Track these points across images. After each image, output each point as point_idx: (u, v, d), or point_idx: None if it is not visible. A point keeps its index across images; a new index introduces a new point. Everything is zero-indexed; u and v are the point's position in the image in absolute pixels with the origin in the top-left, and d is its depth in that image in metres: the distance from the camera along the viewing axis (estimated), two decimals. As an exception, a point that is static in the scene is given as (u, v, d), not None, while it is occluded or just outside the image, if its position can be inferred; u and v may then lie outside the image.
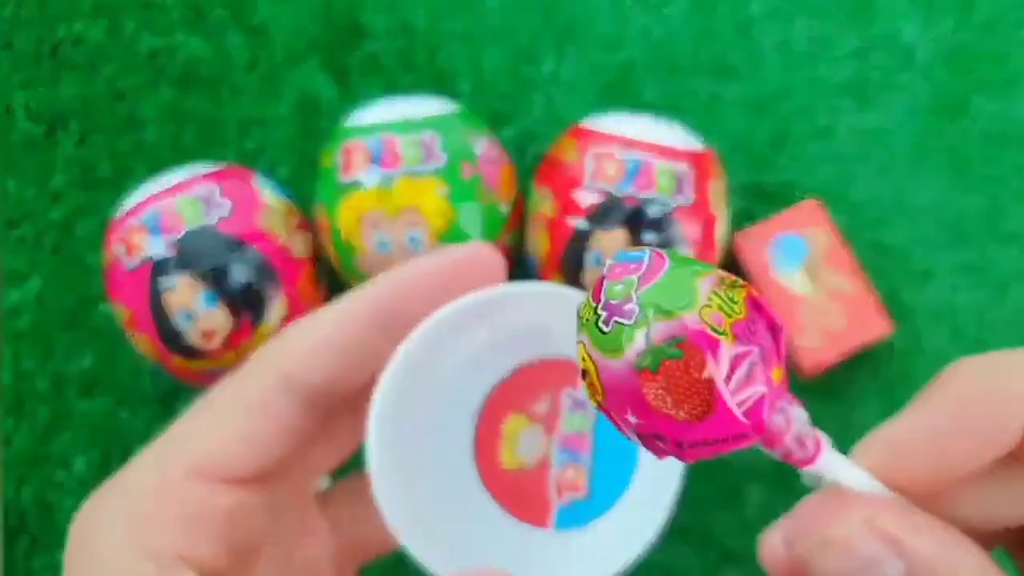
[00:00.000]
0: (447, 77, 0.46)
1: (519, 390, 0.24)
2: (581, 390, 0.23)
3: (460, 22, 0.47)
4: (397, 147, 0.37)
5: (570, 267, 0.37)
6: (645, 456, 0.23)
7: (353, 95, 0.46)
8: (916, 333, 0.43)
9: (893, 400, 0.42)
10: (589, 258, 0.37)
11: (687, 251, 0.37)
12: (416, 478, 0.21)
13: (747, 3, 0.46)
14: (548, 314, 0.22)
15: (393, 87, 0.46)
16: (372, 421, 0.20)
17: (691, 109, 0.45)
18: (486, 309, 0.21)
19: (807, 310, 0.40)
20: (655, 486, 0.21)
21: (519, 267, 0.41)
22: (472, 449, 0.23)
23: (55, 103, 0.47)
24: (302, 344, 0.20)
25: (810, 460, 0.16)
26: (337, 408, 0.22)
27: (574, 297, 0.21)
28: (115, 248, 0.38)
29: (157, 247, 0.37)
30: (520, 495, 0.23)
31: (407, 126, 0.37)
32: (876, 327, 0.40)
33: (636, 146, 0.37)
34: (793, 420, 0.15)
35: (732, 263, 0.42)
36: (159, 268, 0.37)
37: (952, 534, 0.15)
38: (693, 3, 0.46)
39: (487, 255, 0.22)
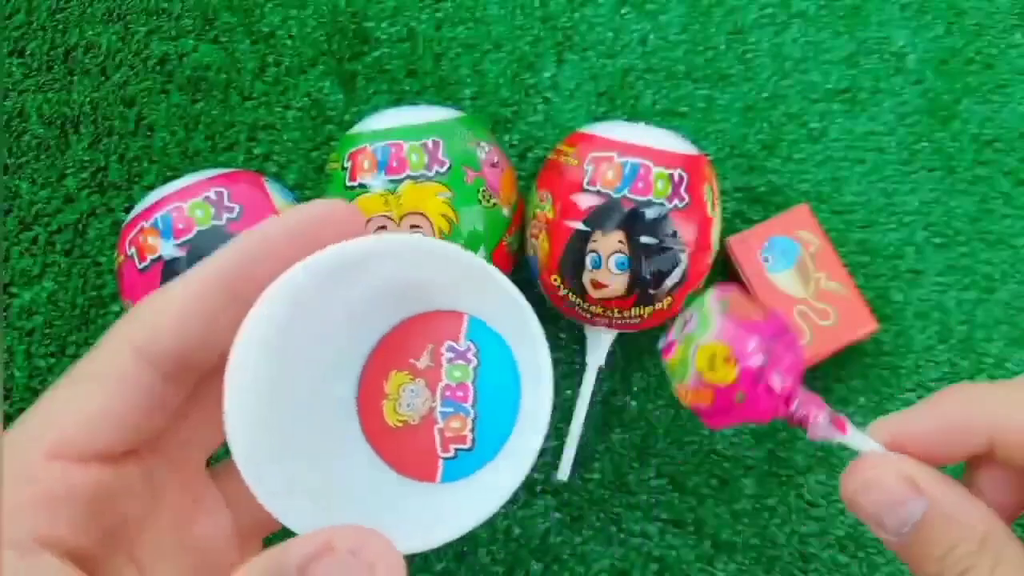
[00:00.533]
0: (451, 84, 0.47)
1: (400, 347, 0.23)
2: (465, 342, 0.24)
3: (463, 30, 0.48)
4: (402, 152, 0.38)
5: (569, 267, 0.38)
6: (525, 404, 0.23)
7: (359, 101, 0.47)
8: (905, 332, 0.44)
9: (881, 396, 0.43)
10: (588, 259, 0.38)
11: (684, 252, 0.38)
12: (288, 443, 0.20)
13: (741, 11, 0.47)
14: (421, 268, 0.21)
15: (398, 93, 0.47)
16: (227, 389, 0.19)
17: (687, 114, 0.46)
18: (346, 266, 0.20)
19: (799, 309, 0.41)
20: (531, 433, 0.20)
21: (520, 268, 0.42)
22: (355, 409, 0.23)
23: (67, 107, 0.48)
24: (152, 316, 0.20)
25: (842, 430, 0.22)
26: (208, 381, 0.21)
27: (442, 250, 0.20)
28: (127, 249, 0.38)
29: (168, 248, 0.37)
30: (406, 451, 0.23)
31: (412, 132, 0.38)
32: (865, 326, 0.41)
33: (633, 151, 0.38)
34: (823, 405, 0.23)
35: (726, 265, 0.43)
36: (170, 269, 0.37)
37: (961, 487, 0.20)
38: (688, 11, 0.47)
39: (343, 211, 0.21)
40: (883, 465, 0.21)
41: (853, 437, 0.22)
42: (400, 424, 0.22)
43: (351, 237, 0.20)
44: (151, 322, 0.20)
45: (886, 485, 0.20)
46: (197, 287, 0.20)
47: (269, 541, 0.21)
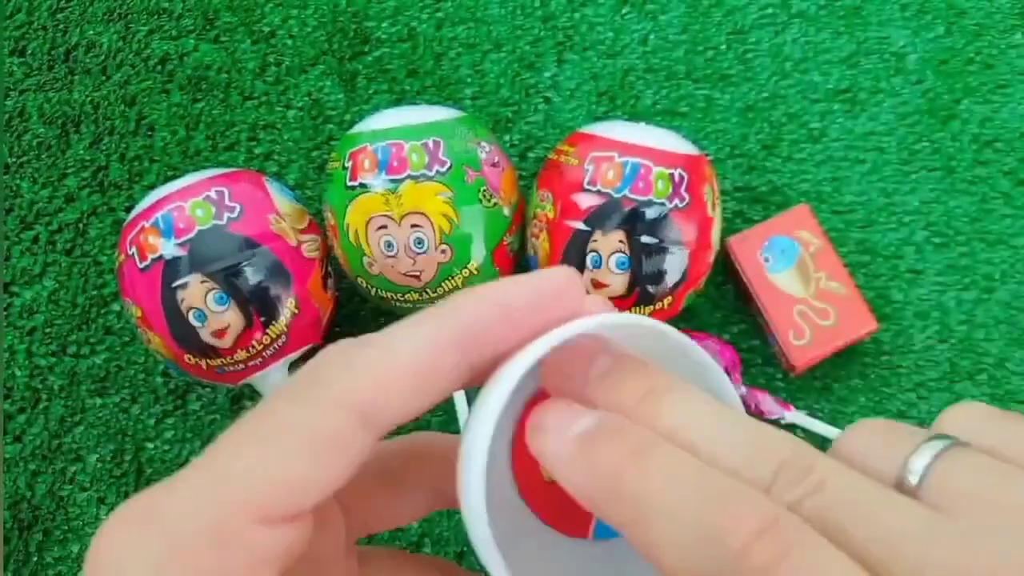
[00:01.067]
0: (451, 84, 0.47)
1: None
2: None
3: (464, 30, 0.48)
4: (403, 152, 0.38)
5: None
6: None
7: (360, 100, 0.47)
8: (905, 331, 0.44)
9: (881, 396, 0.43)
10: (588, 259, 0.38)
11: (684, 252, 0.38)
12: (492, 514, 0.19)
13: (741, 11, 0.47)
14: (624, 341, 0.20)
15: (399, 93, 0.47)
16: (474, 470, 0.18)
17: (687, 114, 0.46)
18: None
19: (799, 309, 0.41)
20: None
21: (520, 268, 0.42)
22: (511, 468, 0.22)
23: (68, 107, 0.48)
24: (379, 374, 0.18)
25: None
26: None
27: (673, 336, 0.20)
28: (128, 248, 0.39)
29: (169, 248, 0.37)
30: (560, 508, 0.22)
31: (412, 132, 0.38)
32: (865, 325, 0.41)
33: (634, 151, 0.38)
34: None
35: (726, 265, 0.43)
36: (171, 268, 0.37)
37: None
38: (689, 11, 0.47)
39: (572, 281, 0.20)
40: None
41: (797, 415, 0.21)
42: (552, 480, 0.21)
43: (573, 307, 0.19)
44: (378, 385, 0.18)
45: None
46: (429, 348, 0.18)
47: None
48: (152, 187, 0.40)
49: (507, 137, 0.47)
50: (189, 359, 0.38)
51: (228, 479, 0.17)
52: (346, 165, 0.39)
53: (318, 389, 0.18)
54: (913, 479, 0.15)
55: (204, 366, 0.39)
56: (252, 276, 0.38)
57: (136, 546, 0.16)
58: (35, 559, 0.44)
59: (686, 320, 0.43)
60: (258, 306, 0.38)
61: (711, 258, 0.40)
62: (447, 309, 0.18)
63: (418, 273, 0.38)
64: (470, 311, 0.18)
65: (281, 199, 0.40)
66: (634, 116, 0.47)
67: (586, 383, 0.18)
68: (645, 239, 0.37)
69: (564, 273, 0.19)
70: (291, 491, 0.17)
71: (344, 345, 0.18)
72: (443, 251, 0.38)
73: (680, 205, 0.38)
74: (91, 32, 0.49)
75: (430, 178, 0.38)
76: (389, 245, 0.38)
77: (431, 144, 0.38)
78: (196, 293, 0.37)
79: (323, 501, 0.18)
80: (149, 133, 0.47)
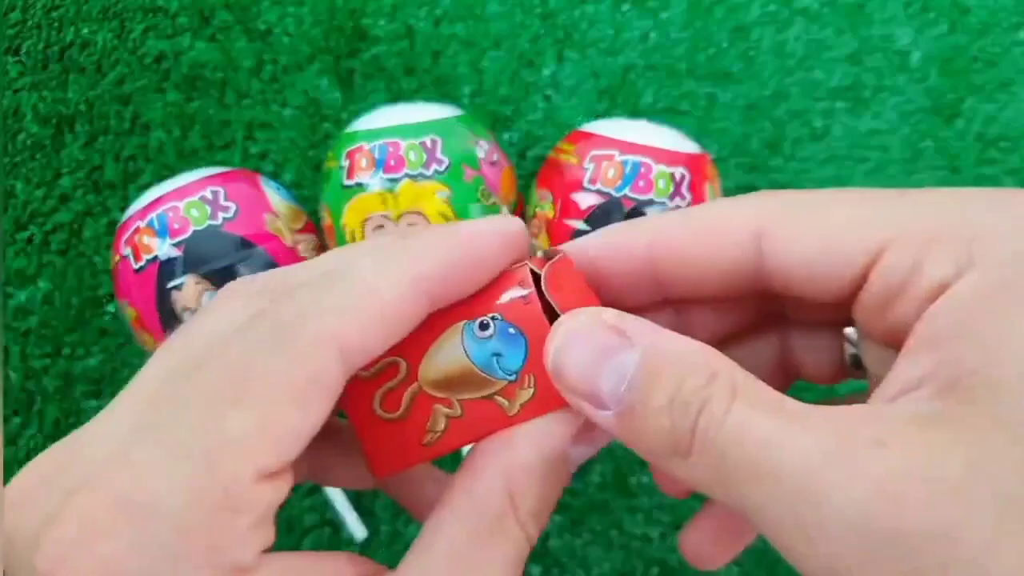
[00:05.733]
0: (449, 81, 0.47)
1: None
2: None
3: (462, 27, 0.47)
4: (400, 151, 0.38)
5: (570, 268, 0.38)
6: None
7: (357, 99, 0.47)
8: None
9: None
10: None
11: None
12: None
13: (743, 7, 0.47)
14: None
15: (396, 91, 0.47)
16: None
17: (688, 112, 0.46)
18: None
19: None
20: None
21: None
22: None
23: (63, 106, 0.47)
24: (361, 316, 0.17)
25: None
26: None
27: None
28: (123, 249, 0.38)
29: (164, 248, 0.37)
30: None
31: (410, 130, 0.38)
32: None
33: (635, 149, 0.38)
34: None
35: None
36: (166, 269, 0.37)
37: (674, 333, 0.17)
38: (690, 8, 0.47)
39: (523, 232, 0.20)
40: (584, 315, 0.17)
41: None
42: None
43: (523, 253, 0.20)
44: (360, 324, 0.17)
45: (593, 335, 0.17)
46: (408, 289, 0.18)
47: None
48: (147, 187, 0.40)
49: (506, 135, 0.46)
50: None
51: (221, 443, 0.16)
52: (343, 164, 0.38)
53: (299, 329, 0.17)
54: None
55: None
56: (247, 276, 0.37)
57: (136, 542, 0.15)
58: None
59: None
60: (254, 307, 0.37)
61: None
62: (419, 246, 0.18)
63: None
64: (443, 252, 0.18)
65: (277, 199, 0.40)
66: (635, 114, 0.46)
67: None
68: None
69: (517, 224, 0.19)
70: (285, 442, 0.16)
71: (306, 276, 0.18)
72: (441, 251, 0.38)
73: (682, 204, 0.37)
74: (86, 30, 0.48)
75: (428, 177, 0.37)
76: (386, 245, 0.38)
77: (429, 143, 0.38)
78: (191, 294, 0.37)
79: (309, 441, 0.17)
80: (144, 132, 0.47)
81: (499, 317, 0.19)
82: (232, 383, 0.16)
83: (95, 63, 0.48)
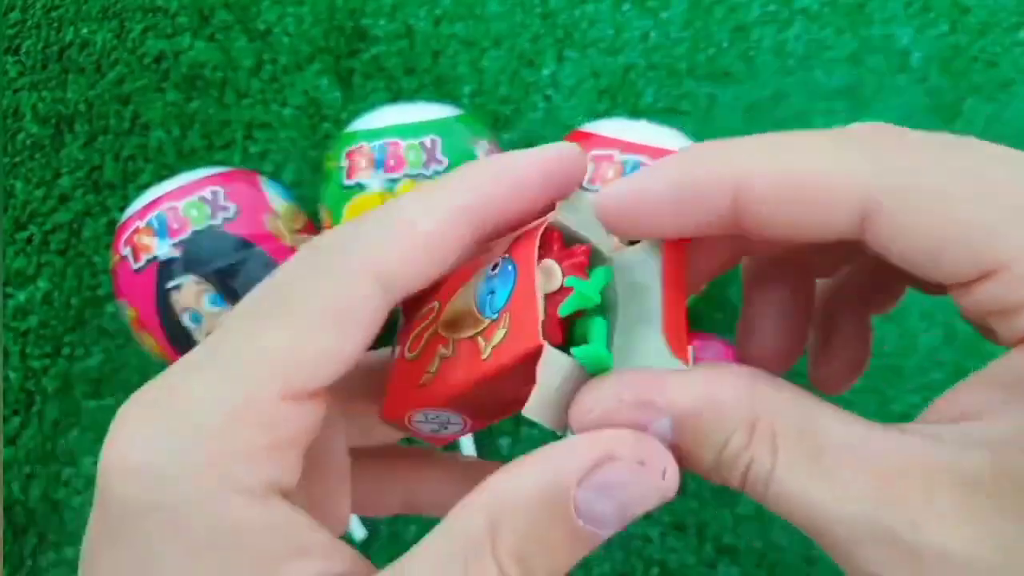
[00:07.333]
0: (449, 81, 0.47)
1: None
2: None
3: (462, 27, 0.47)
4: (400, 151, 0.38)
5: (570, 268, 0.38)
6: None
7: (356, 98, 0.47)
8: (909, 332, 0.43)
9: (885, 397, 0.43)
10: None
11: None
12: None
13: (744, 7, 0.47)
14: None
15: (396, 91, 0.47)
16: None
17: (689, 112, 0.46)
18: None
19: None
20: None
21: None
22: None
23: (62, 106, 0.47)
24: (400, 243, 0.17)
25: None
26: None
27: None
28: (122, 249, 0.38)
29: (164, 248, 0.37)
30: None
31: (410, 130, 0.38)
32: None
33: (635, 149, 0.38)
34: None
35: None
36: (165, 269, 0.37)
37: (704, 370, 0.17)
38: (690, 7, 0.47)
39: (579, 156, 0.19)
40: (604, 398, 0.17)
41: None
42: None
43: (577, 181, 0.19)
44: (399, 254, 0.17)
45: (618, 419, 0.16)
46: (446, 221, 0.18)
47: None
48: (147, 187, 0.40)
49: (506, 135, 0.46)
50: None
51: (253, 356, 0.16)
52: (342, 164, 0.38)
53: (339, 257, 0.17)
54: None
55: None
56: (246, 276, 0.37)
57: (154, 438, 0.16)
58: (29, 564, 0.43)
59: (688, 321, 0.43)
60: (253, 307, 0.37)
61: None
62: (460, 181, 0.18)
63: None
64: (484, 184, 0.18)
65: (276, 199, 0.40)
66: (635, 114, 0.46)
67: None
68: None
69: (569, 148, 0.19)
70: (318, 364, 0.17)
71: (355, 219, 0.18)
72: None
73: (682, 204, 0.37)
74: (85, 30, 0.48)
75: (427, 177, 0.37)
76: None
77: (428, 142, 0.38)
78: (190, 294, 0.37)
79: (345, 372, 0.17)
80: (144, 132, 0.47)
81: (509, 256, 0.19)
82: (273, 304, 0.17)
83: (94, 63, 0.48)
